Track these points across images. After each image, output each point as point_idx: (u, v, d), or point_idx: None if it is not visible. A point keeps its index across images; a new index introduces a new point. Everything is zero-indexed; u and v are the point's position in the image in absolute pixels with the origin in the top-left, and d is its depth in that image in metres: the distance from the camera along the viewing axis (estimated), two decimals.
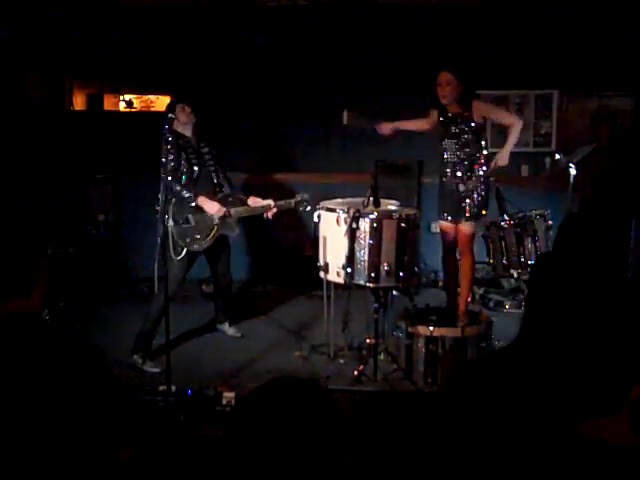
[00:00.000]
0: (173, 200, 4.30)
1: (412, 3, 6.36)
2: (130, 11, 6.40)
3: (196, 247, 4.50)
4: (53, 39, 6.36)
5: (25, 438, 1.08)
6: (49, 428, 1.09)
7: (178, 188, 4.41)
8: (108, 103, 6.61)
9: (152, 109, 6.59)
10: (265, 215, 4.66)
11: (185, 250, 4.44)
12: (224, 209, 4.54)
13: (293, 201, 4.69)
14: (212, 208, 4.50)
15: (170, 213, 4.19)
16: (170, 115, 4.37)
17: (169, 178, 4.35)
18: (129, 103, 6.51)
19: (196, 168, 4.55)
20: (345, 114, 4.66)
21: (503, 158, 4.46)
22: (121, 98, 6.54)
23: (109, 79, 6.65)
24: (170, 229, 4.26)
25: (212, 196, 4.57)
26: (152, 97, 6.59)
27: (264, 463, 1.13)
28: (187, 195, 4.42)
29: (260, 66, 6.65)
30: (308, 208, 4.69)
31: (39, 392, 1.11)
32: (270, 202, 4.65)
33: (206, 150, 4.66)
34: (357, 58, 6.58)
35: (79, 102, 6.73)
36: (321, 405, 1.22)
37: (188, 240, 4.47)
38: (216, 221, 4.55)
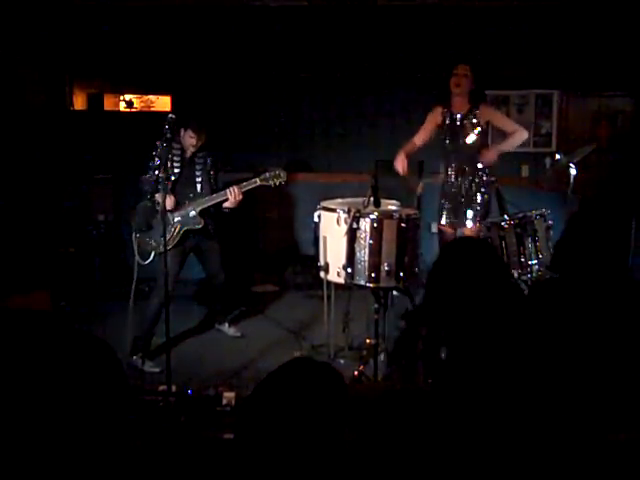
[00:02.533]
0: (138, 207, 4.57)
1: (411, 4, 6.37)
2: (130, 11, 6.41)
3: (162, 247, 4.52)
4: (53, 39, 6.36)
5: (35, 432, 1.08)
6: (60, 422, 1.10)
7: (146, 188, 4.56)
8: (108, 103, 6.61)
9: (152, 109, 6.59)
10: (231, 202, 4.55)
11: (153, 254, 4.53)
12: (172, 201, 4.53)
13: (258, 179, 4.56)
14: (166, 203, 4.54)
15: (134, 221, 4.55)
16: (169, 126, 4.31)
17: (144, 182, 4.56)
18: (129, 103, 6.51)
19: (176, 170, 4.60)
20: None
21: (489, 156, 4.50)
22: (121, 98, 6.54)
23: (109, 79, 6.65)
24: (134, 238, 4.53)
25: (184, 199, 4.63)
26: (152, 97, 6.59)
27: (279, 446, 1.15)
28: (146, 190, 4.55)
29: (260, 67, 6.65)
30: (279, 182, 4.55)
31: (50, 387, 1.12)
32: (232, 188, 4.55)
33: (200, 161, 4.69)
34: (357, 58, 6.59)
35: (79, 102, 6.73)
36: (334, 388, 1.24)
37: (154, 244, 4.56)
38: (176, 219, 4.58)
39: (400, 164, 4.75)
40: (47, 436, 1.07)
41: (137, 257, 4.51)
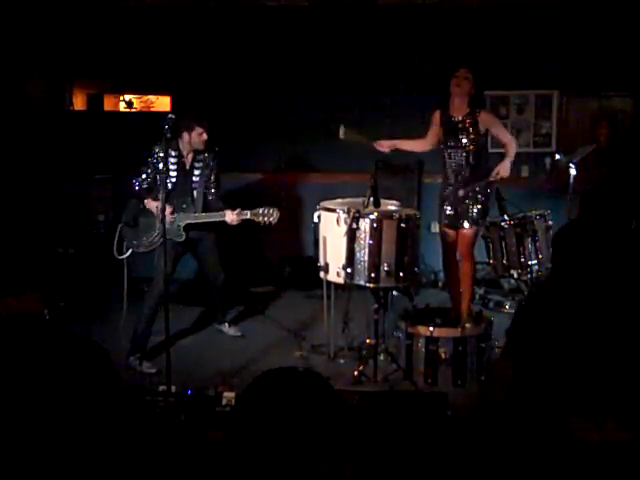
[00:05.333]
0: (130, 202, 4.66)
1: (412, 4, 6.37)
2: (130, 11, 6.41)
3: (141, 249, 4.58)
4: (53, 39, 6.36)
5: (29, 438, 1.08)
6: (53, 427, 1.09)
7: (137, 189, 4.65)
8: (108, 103, 6.61)
9: (152, 109, 6.59)
10: (228, 222, 4.56)
11: (130, 250, 4.59)
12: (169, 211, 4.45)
13: (249, 212, 4.55)
14: (152, 207, 4.57)
15: (124, 213, 4.63)
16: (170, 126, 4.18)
17: (135, 183, 4.65)
18: (129, 103, 6.50)
19: (173, 179, 4.61)
20: (341, 129, 4.63)
21: (505, 169, 4.47)
22: (121, 98, 6.53)
23: (109, 79, 6.65)
24: (118, 229, 4.60)
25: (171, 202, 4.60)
26: (152, 97, 6.58)
27: (268, 453, 1.14)
28: (137, 195, 4.64)
29: (260, 67, 6.65)
30: (268, 221, 4.53)
31: (43, 391, 1.11)
32: (230, 215, 4.54)
33: (200, 165, 4.68)
34: (357, 58, 6.59)
35: (79, 102, 6.73)
36: (322, 395, 1.23)
37: (135, 242, 4.60)
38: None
39: (385, 146, 4.75)
40: (40, 439, 1.07)
41: (115, 249, 4.55)
